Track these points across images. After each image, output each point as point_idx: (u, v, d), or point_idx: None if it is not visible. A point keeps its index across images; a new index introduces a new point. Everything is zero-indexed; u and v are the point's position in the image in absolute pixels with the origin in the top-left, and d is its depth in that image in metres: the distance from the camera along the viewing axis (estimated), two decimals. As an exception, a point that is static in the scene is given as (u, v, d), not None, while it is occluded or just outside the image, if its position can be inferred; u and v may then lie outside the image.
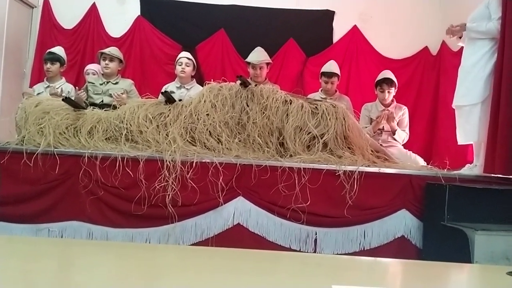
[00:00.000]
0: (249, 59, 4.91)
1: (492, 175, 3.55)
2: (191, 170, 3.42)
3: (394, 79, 4.75)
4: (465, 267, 2.47)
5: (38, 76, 5.44)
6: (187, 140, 3.65)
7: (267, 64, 4.95)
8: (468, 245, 3.02)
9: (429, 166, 3.99)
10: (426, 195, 3.55)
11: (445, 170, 3.70)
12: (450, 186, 3.31)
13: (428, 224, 3.50)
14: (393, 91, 4.73)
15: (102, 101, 4.50)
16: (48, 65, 4.66)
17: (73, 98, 4.02)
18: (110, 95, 4.47)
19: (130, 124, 3.67)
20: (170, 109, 3.77)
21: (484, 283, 2.01)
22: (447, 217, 3.24)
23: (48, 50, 4.84)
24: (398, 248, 3.53)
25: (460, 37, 3.90)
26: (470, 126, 3.75)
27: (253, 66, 4.86)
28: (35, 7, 5.90)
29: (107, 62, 4.62)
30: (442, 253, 3.26)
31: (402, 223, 3.56)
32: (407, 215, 3.57)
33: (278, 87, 4.51)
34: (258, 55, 4.92)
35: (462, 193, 3.31)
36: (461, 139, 3.86)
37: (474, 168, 3.79)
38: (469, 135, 3.79)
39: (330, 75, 4.84)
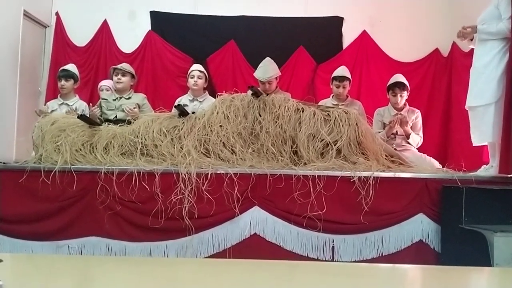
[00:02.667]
0: (257, 75, 4.88)
1: (509, 175, 3.51)
2: (207, 182, 3.44)
3: (406, 82, 4.74)
4: (485, 270, 2.44)
5: (53, 94, 5.53)
6: (202, 152, 3.68)
7: (276, 77, 4.92)
8: (487, 247, 3.00)
9: (444, 168, 3.96)
10: (442, 198, 3.53)
11: (461, 172, 3.67)
12: (466, 188, 3.29)
13: (446, 228, 3.47)
14: (405, 94, 4.72)
15: (116, 116, 4.55)
16: (63, 82, 4.73)
17: (88, 115, 4.08)
18: (123, 110, 4.52)
19: (145, 138, 3.71)
20: (183, 122, 3.81)
21: (505, 287, 1.99)
22: (464, 220, 3.21)
23: (61, 68, 4.93)
24: (416, 252, 3.51)
25: (471, 39, 3.88)
26: (485, 127, 3.72)
27: (261, 82, 4.86)
28: (48, 26, 6.02)
29: (119, 77, 4.68)
30: (461, 256, 3.24)
31: (419, 227, 3.53)
32: (424, 219, 3.54)
33: (289, 95, 4.52)
34: (265, 71, 4.85)
35: (479, 195, 3.28)
36: (476, 140, 3.83)
37: (490, 169, 3.75)
38: (484, 136, 3.76)
39: (341, 79, 4.84)
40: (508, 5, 3.60)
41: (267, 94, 4.08)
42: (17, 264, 1.90)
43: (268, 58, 4.98)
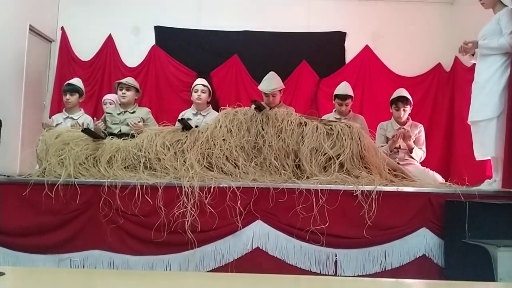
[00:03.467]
0: (261, 87, 4.93)
1: (512, 190, 3.51)
2: (209, 196, 3.44)
3: (409, 97, 4.75)
4: (489, 285, 2.43)
5: (57, 108, 5.57)
6: (205, 166, 3.69)
7: (280, 90, 4.97)
8: (491, 262, 2.98)
9: (447, 183, 3.94)
10: (446, 212, 3.52)
11: (464, 186, 3.66)
12: (470, 203, 3.27)
13: (449, 242, 3.45)
14: (408, 109, 4.73)
15: (120, 130, 4.57)
16: (68, 96, 4.78)
17: (92, 129, 4.10)
18: (128, 124, 4.54)
19: (148, 152, 3.73)
20: (187, 136, 3.82)
21: (508, 302, 1.98)
22: (468, 234, 3.20)
23: (66, 82, 4.98)
24: (419, 267, 3.49)
25: (473, 55, 3.90)
26: (487, 141, 3.72)
27: (265, 94, 4.89)
28: (53, 41, 6.08)
29: (124, 91, 4.71)
30: (464, 271, 3.22)
31: (422, 242, 3.52)
32: (428, 233, 3.53)
33: (293, 109, 4.53)
34: (270, 84, 4.90)
35: (482, 210, 3.27)
36: (479, 155, 3.82)
37: (493, 184, 3.75)
38: (487, 150, 3.76)
39: (344, 97, 4.85)
40: (509, 21, 3.62)
41: (271, 108, 4.09)
42: (19, 277, 1.90)
43: (272, 72, 5.03)
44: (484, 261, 3.01)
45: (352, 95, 4.95)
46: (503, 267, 2.92)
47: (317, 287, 1.97)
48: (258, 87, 5.00)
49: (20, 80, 5.35)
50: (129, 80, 4.81)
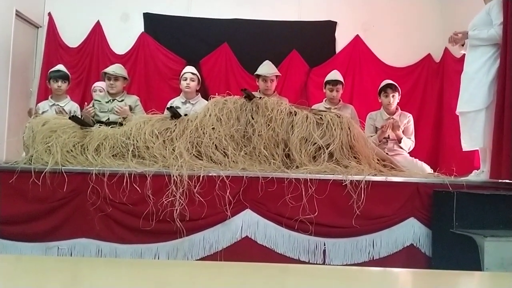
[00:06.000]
0: (261, 72, 4.93)
1: (499, 180, 3.54)
2: (198, 184, 3.43)
3: (397, 85, 4.77)
4: (475, 275, 2.45)
5: (44, 94, 5.50)
6: (194, 155, 3.67)
7: (277, 76, 5.00)
8: (477, 252, 3.01)
9: (436, 173, 3.97)
10: (433, 202, 3.54)
11: (452, 177, 3.69)
12: (457, 193, 3.30)
13: (436, 232, 3.48)
14: (397, 96, 4.75)
15: (108, 119, 4.53)
16: (60, 83, 4.70)
17: (79, 116, 4.05)
18: (116, 112, 4.50)
19: (137, 140, 3.69)
20: (176, 124, 3.79)
21: (494, 291, 1.99)
22: (455, 224, 3.23)
23: (53, 69, 4.89)
24: (407, 256, 3.52)
25: (463, 45, 3.91)
26: (475, 132, 3.74)
27: (264, 79, 4.89)
28: (40, 27, 5.99)
29: (112, 82, 4.66)
30: (451, 261, 3.25)
31: (410, 231, 3.54)
32: (416, 223, 3.55)
33: (287, 100, 4.52)
34: (269, 68, 4.97)
35: (470, 200, 3.30)
36: (466, 146, 3.85)
37: (481, 174, 3.78)
38: (475, 141, 3.78)
39: (335, 82, 4.87)
40: (500, 11, 3.63)
41: (261, 97, 4.07)
42: (5, 265, 1.88)
43: (268, 60, 5.08)
44: (471, 250, 3.04)
45: (343, 81, 4.96)
46: (489, 257, 2.96)
47: (306, 276, 1.97)
48: (257, 72, 4.98)
49: (6, 66, 5.27)
50: (116, 69, 4.73)
